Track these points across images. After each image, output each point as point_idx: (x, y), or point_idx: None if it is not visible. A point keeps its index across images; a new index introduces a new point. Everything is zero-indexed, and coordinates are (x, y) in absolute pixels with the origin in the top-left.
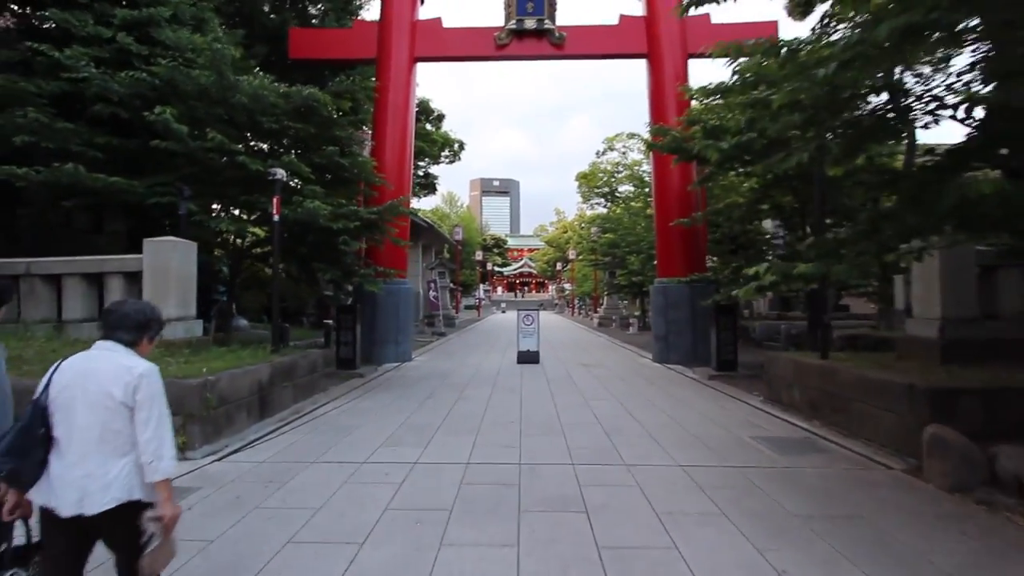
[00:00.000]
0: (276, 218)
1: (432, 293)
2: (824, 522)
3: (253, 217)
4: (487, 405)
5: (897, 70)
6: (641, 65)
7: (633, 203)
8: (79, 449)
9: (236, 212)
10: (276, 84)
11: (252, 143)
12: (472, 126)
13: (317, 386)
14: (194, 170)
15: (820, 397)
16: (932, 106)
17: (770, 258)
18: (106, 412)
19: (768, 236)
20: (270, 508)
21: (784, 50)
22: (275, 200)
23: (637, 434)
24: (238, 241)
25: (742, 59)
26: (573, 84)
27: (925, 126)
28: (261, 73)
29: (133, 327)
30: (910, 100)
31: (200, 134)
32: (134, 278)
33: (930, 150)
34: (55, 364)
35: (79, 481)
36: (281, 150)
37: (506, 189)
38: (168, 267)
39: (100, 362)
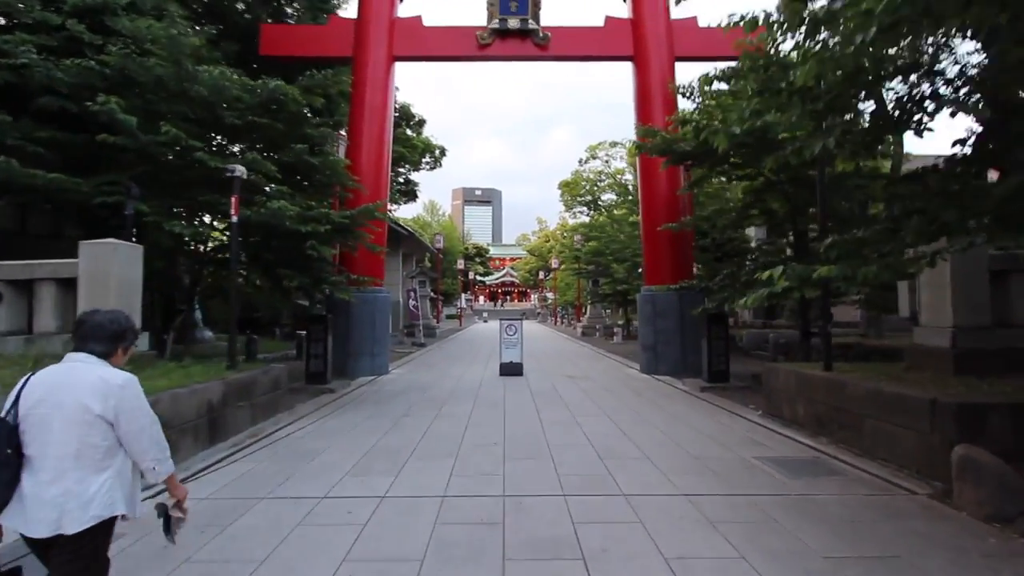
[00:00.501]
0: (234, 219)
1: (412, 302)
2: (860, 566)
3: (214, 220)
4: (468, 423)
5: (930, 51)
6: (625, 74)
7: (616, 211)
8: (55, 466)
9: (200, 216)
10: (240, 76)
11: (216, 140)
12: (455, 135)
13: (281, 404)
14: (148, 168)
15: (827, 412)
16: (964, 89)
17: (748, 266)
18: (83, 427)
19: (753, 243)
20: (202, 562)
21: (808, 20)
22: (233, 200)
23: (632, 456)
24: (200, 247)
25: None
26: (556, 94)
27: (953, 114)
28: (225, 67)
29: (107, 338)
30: (937, 85)
31: (154, 128)
32: (69, 285)
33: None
34: (22, 379)
35: (56, 500)
36: (245, 148)
37: (488, 199)
38: (108, 273)
39: (75, 375)
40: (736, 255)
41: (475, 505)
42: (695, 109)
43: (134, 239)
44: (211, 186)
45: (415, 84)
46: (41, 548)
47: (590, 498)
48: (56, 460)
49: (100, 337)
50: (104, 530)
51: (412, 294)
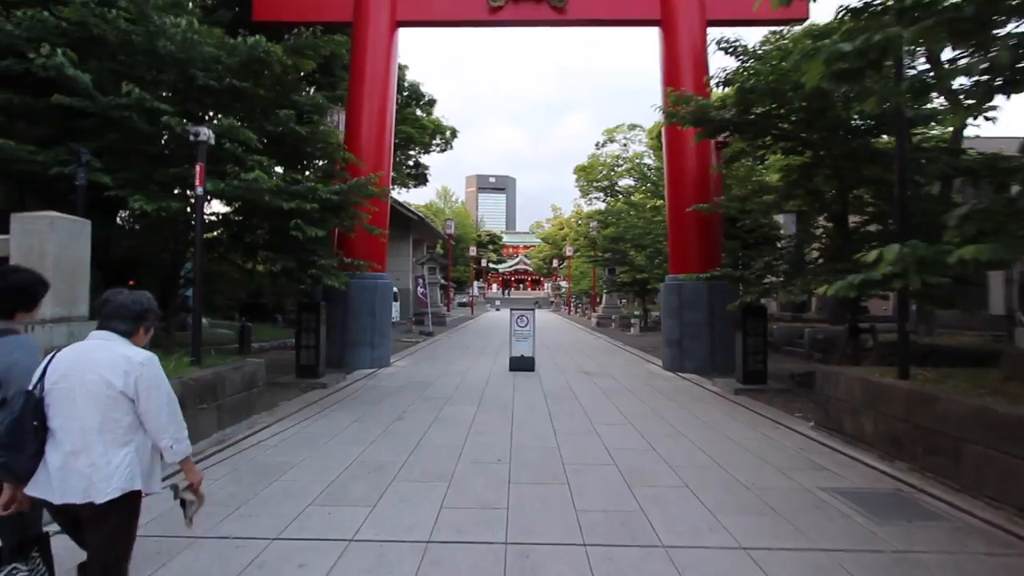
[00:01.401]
0: (199, 190)
1: (420, 290)
2: None
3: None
4: (469, 430)
5: None
6: (645, 51)
7: (634, 196)
8: (81, 439)
9: (175, 191)
10: (217, 30)
11: (198, 107)
12: (468, 122)
13: (258, 404)
14: (116, 137)
15: (907, 432)
16: None
17: (788, 252)
18: (106, 401)
19: (782, 231)
20: None
21: None
22: (197, 169)
23: (668, 483)
24: (181, 225)
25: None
26: (571, 80)
27: None
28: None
29: (130, 317)
30: None
31: (117, 90)
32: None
33: None
34: (49, 355)
35: (84, 470)
36: (223, 115)
37: (502, 186)
38: (44, 251)
39: (98, 351)
40: (766, 243)
41: (467, 560)
42: (739, 68)
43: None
44: (189, 158)
45: (425, 64)
46: (71, 521)
47: (619, 551)
48: (80, 433)
49: (123, 316)
50: (130, 504)
51: (420, 281)
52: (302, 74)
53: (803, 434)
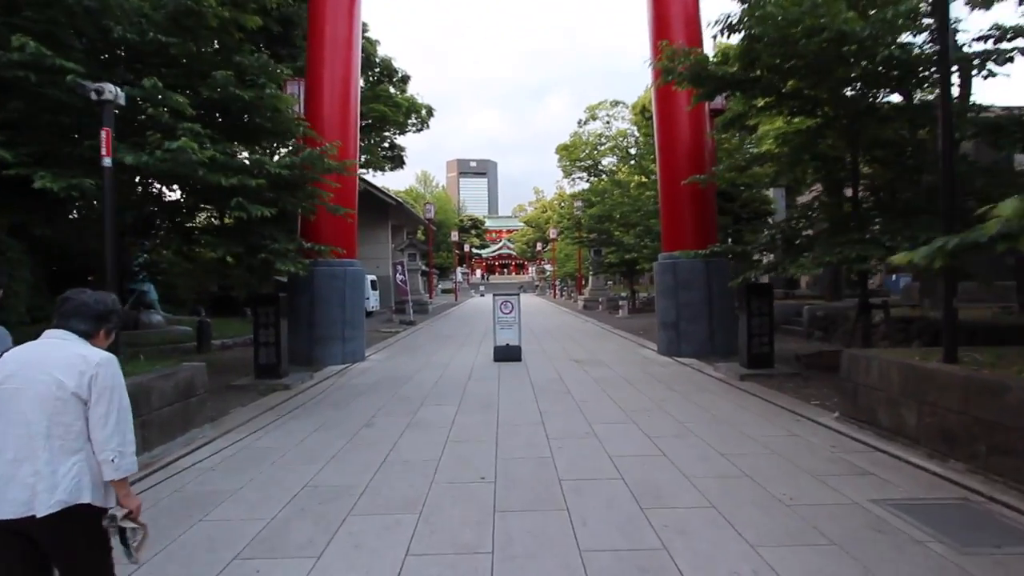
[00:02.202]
0: (106, 162)
1: (399, 277)
2: None
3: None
4: (448, 437)
5: None
6: (623, 36)
7: (619, 175)
8: (24, 444)
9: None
10: None
11: (127, 71)
12: (447, 107)
13: (198, 415)
14: (19, 104)
15: (965, 426)
16: None
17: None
18: (56, 403)
19: (772, 206)
20: None
21: None
22: (103, 135)
23: (689, 502)
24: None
25: None
26: (549, 62)
27: None
28: None
29: (91, 317)
30: None
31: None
32: None
33: None
34: None
35: (27, 480)
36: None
37: (483, 170)
38: None
39: (51, 350)
40: (758, 217)
41: None
42: (744, 12)
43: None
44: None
45: (401, 47)
46: (18, 546)
47: None
48: (24, 439)
49: (84, 315)
50: (84, 523)
51: (399, 268)
52: (254, 36)
53: (830, 427)
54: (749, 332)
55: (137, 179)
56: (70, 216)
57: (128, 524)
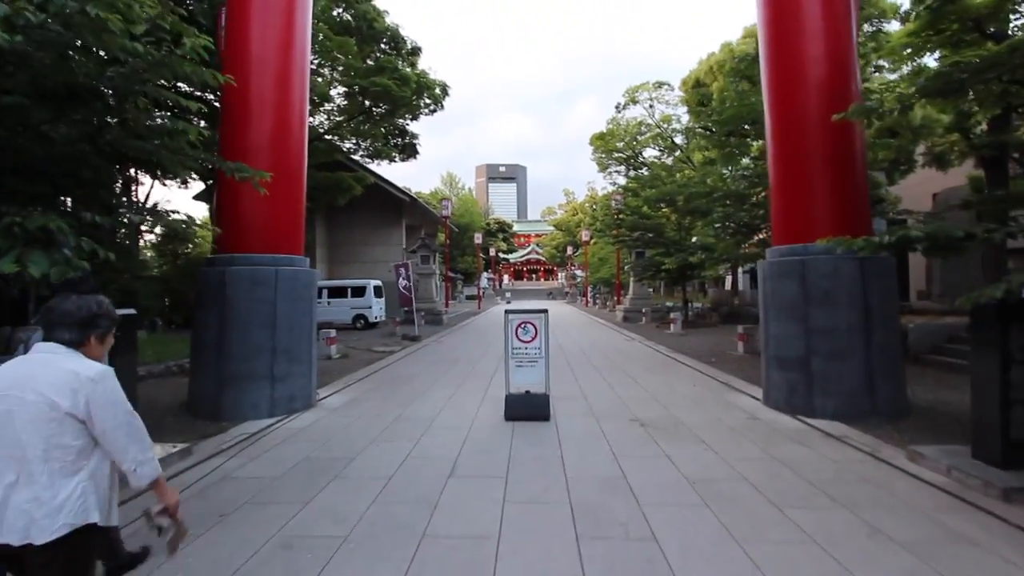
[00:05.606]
0: None
1: (402, 282)
2: None
3: None
4: None
5: None
6: (653, 39)
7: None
8: (21, 469)
9: None
10: None
11: None
12: (477, 112)
13: None
14: None
15: None
16: None
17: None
18: (51, 425)
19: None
20: None
21: None
22: None
23: None
24: None
25: None
26: (579, 66)
27: None
28: None
29: (75, 324)
30: None
31: None
32: None
33: None
34: None
35: (26, 506)
36: None
37: (513, 175)
38: None
39: (40, 368)
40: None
41: None
42: None
43: None
44: None
45: (431, 54)
46: (9, 560)
47: None
48: (19, 462)
49: (68, 324)
50: (81, 540)
51: (402, 271)
52: None
53: None
54: (1005, 395)
55: None
56: None
57: (163, 521)
